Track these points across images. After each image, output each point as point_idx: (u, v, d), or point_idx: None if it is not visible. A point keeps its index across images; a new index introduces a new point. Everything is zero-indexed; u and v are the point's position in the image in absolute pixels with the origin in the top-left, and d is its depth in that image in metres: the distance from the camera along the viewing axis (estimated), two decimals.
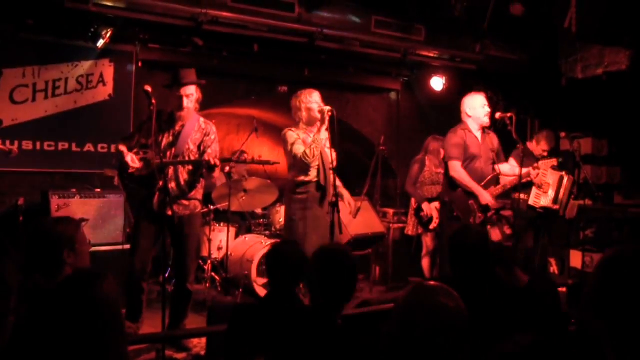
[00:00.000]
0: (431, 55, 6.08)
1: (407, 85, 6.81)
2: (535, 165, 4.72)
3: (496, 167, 4.47)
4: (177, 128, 3.65)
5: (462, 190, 4.36)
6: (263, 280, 4.90)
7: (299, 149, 3.76)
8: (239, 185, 5.28)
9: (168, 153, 3.59)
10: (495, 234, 4.55)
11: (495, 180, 4.43)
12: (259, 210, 6.02)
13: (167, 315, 3.38)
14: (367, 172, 5.73)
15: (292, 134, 3.84)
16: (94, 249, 4.13)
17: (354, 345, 1.91)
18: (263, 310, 2.23)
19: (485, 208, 4.31)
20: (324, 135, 3.85)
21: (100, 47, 4.90)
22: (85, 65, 5.08)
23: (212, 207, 5.29)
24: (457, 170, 4.34)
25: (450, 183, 4.45)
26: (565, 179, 4.90)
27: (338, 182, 4.04)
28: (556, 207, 4.88)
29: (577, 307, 3.94)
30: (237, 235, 5.53)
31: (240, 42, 5.31)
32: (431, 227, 5.53)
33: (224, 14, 4.84)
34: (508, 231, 5.04)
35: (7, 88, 4.77)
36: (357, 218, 5.38)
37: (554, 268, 6.09)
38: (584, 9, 4.91)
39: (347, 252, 2.24)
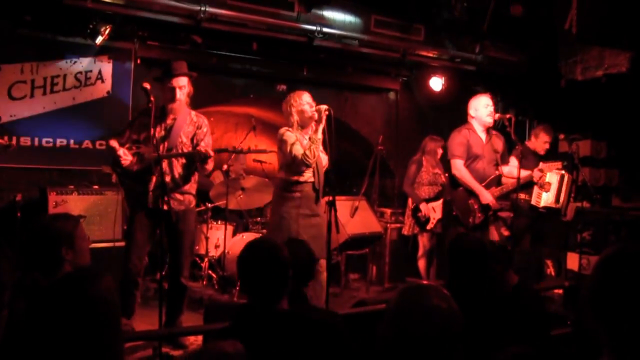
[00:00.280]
0: (430, 55, 6.08)
1: (406, 85, 6.81)
2: (540, 167, 4.69)
3: (500, 168, 4.48)
4: (168, 122, 3.64)
5: (463, 189, 4.38)
6: None
7: (298, 150, 3.73)
8: (236, 184, 5.28)
9: (161, 147, 3.58)
10: (492, 236, 4.55)
11: (497, 181, 4.43)
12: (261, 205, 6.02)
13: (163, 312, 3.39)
14: (365, 172, 5.73)
15: (290, 134, 3.81)
16: (91, 245, 4.12)
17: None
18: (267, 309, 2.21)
19: (485, 208, 4.32)
20: (321, 135, 3.82)
21: (98, 44, 4.90)
22: (83, 62, 5.07)
23: (209, 205, 5.29)
24: (459, 168, 4.35)
25: (452, 182, 4.47)
26: (566, 178, 4.88)
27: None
28: (558, 206, 4.86)
29: (573, 309, 3.95)
30: (234, 233, 5.53)
31: (239, 40, 5.31)
32: (428, 227, 5.54)
33: (223, 11, 4.83)
34: (505, 232, 5.04)
35: (5, 84, 4.76)
36: (355, 217, 5.40)
37: (550, 270, 6.10)
38: (585, 11, 4.91)
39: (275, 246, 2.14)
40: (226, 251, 5.14)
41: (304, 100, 3.83)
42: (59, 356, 1.27)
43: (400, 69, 6.43)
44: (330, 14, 5.35)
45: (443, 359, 1.38)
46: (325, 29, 5.28)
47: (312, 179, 3.83)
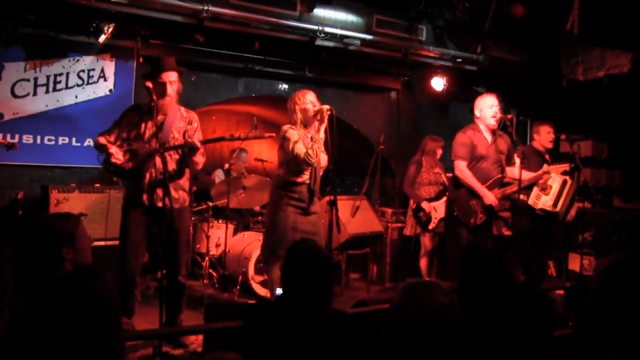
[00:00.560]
0: (432, 55, 6.08)
1: (407, 85, 6.81)
2: (547, 169, 4.65)
3: (507, 169, 4.47)
4: (159, 118, 3.62)
5: (465, 189, 4.38)
6: (260, 278, 4.91)
7: (300, 149, 3.73)
8: (237, 183, 5.29)
9: (153, 143, 3.58)
10: None
11: (500, 182, 4.43)
12: (257, 208, 6.03)
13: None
14: (366, 172, 5.73)
15: (293, 132, 3.81)
16: (93, 244, 4.13)
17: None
18: (279, 309, 2.22)
19: (488, 209, 4.32)
20: (323, 134, 3.83)
21: (101, 42, 4.90)
22: (86, 61, 5.08)
23: (210, 203, 5.31)
24: (462, 169, 4.36)
25: (455, 182, 4.47)
26: (568, 184, 4.83)
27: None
28: (555, 210, 4.82)
29: (576, 311, 3.95)
30: (235, 232, 5.54)
31: (241, 39, 5.31)
32: (430, 227, 5.54)
33: (226, 11, 4.84)
34: (506, 232, 5.04)
35: (8, 82, 4.77)
36: (356, 217, 5.40)
37: (552, 270, 6.10)
38: (586, 11, 4.90)
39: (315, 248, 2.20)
40: (227, 250, 5.15)
41: (308, 99, 3.83)
42: (60, 356, 1.28)
43: (401, 69, 6.42)
44: (332, 14, 5.35)
45: (447, 350, 1.42)
46: (327, 29, 5.29)
47: (308, 181, 3.83)
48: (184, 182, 3.75)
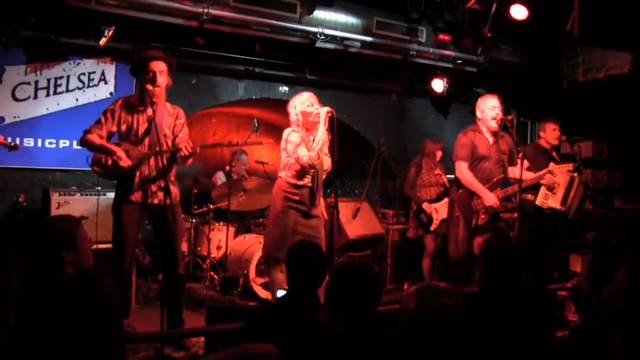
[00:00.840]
0: (432, 57, 6.08)
1: (407, 87, 6.81)
2: (551, 169, 4.65)
3: (509, 170, 4.47)
4: (149, 113, 3.60)
5: (466, 190, 4.38)
6: (262, 280, 4.91)
7: (302, 152, 3.72)
8: (238, 185, 5.29)
9: (146, 140, 3.58)
10: None
11: (501, 182, 4.43)
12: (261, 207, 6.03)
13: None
14: (366, 174, 5.74)
15: (296, 135, 3.80)
16: (94, 246, 4.13)
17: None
18: (281, 311, 2.23)
19: (490, 209, 4.32)
20: (325, 137, 3.81)
21: (102, 45, 4.91)
22: (87, 63, 5.09)
23: (211, 206, 5.31)
24: (462, 170, 4.37)
25: (457, 183, 4.48)
26: (576, 180, 4.80)
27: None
28: (564, 209, 4.78)
29: (577, 311, 3.93)
30: (236, 235, 5.54)
31: (242, 41, 5.32)
32: (431, 228, 5.54)
33: (226, 13, 4.85)
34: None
35: (9, 85, 4.79)
36: (356, 219, 5.41)
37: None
38: (586, 12, 4.90)
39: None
40: (228, 252, 5.15)
41: (309, 102, 3.82)
42: (61, 358, 1.28)
43: (402, 71, 6.43)
44: (332, 16, 5.36)
45: (454, 349, 1.50)
46: (327, 31, 5.30)
47: (310, 184, 3.82)
48: (173, 177, 3.75)
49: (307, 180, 3.83)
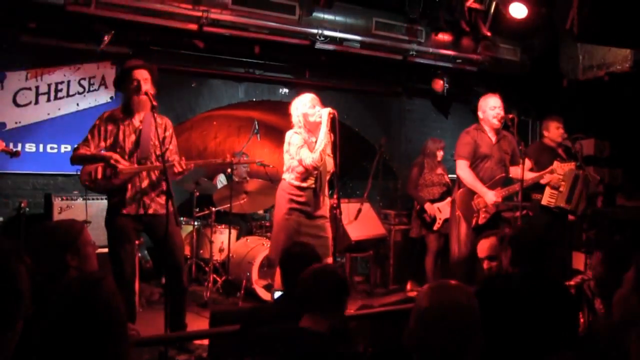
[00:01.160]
0: (432, 56, 6.08)
1: (407, 87, 6.82)
2: (553, 167, 4.63)
3: (511, 169, 4.47)
4: (135, 123, 3.58)
5: (467, 189, 4.38)
6: (264, 282, 4.91)
7: (305, 153, 3.72)
8: (239, 187, 5.29)
9: (136, 153, 3.55)
10: None
11: (502, 181, 4.43)
12: (260, 212, 6.04)
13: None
14: (367, 175, 5.73)
15: (298, 137, 3.79)
16: (97, 250, 4.13)
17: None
18: (279, 312, 2.23)
19: (491, 208, 4.31)
20: (327, 138, 3.81)
21: (101, 49, 4.92)
22: (87, 68, 5.10)
23: (213, 208, 5.31)
24: (463, 169, 4.38)
25: (458, 181, 4.49)
26: (580, 177, 4.78)
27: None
28: (569, 207, 4.76)
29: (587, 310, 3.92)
30: (238, 237, 5.54)
31: (241, 44, 5.33)
32: (434, 228, 5.54)
33: (225, 16, 4.85)
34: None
35: (10, 91, 4.80)
36: (358, 220, 5.40)
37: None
38: (586, 10, 4.90)
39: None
40: (230, 255, 5.16)
41: (311, 103, 3.81)
42: None
43: (401, 71, 6.43)
44: (331, 17, 5.36)
45: (467, 345, 1.53)
46: (326, 32, 5.29)
47: (313, 185, 3.82)
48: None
49: (310, 182, 3.82)
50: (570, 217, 5.00)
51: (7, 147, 4.03)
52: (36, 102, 4.91)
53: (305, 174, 3.79)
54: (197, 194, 5.29)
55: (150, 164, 3.58)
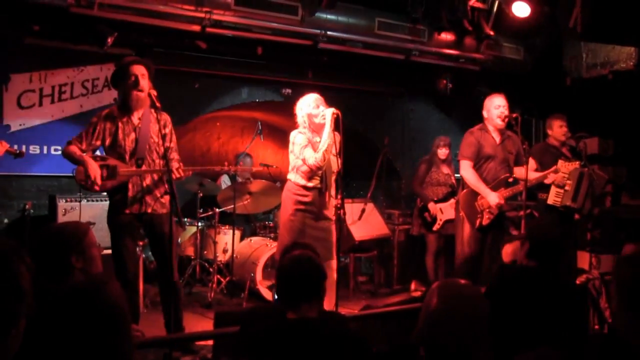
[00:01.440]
0: (435, 56, 6.07)
1: (411, 87, 6.81)
2: (557, 166, 4.62)
3: (515, 170, 4.46)
4: (134, 122, 3.56)
5: (470, 190, 4.37)
6: (268, 283, 4.91)
7: (309, 153, 3.72)
8: (243, 188, 5.30)
9: (135, 151, 3.53)
10: None
11: (506, 182, 4.42)
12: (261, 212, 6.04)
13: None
14: (371, 175, 5.73)
15: (302, 137, 3.79)
16: (102, 252, 4.13)
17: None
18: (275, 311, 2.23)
19: (494, 208, 4.30)
20: (330, 138, 3.80)
21: (105, 51, 4.93)
22: (90, 70, 5.12)
23: (217, 209, 5.32)
24: (466, 169, 4.37)
25: (462, 182, 4.48)
26: (585, 176, 4.77)
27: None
28: (575, 205, 4.75)
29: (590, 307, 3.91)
30: (242, 238, 5.54)
31: (244, 44, 5.33)
32: (434, 228, 5.52)
33: (228, 17, 4.86)
34: (514, 232, 5.02)
35: (14, 93, 4.82)
36: (362, 220, 5.40)
37: None
38: (589, 8, 4.88)
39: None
40: (234, 256, 5.16)
41: (315, 104, 3.81)
42: None
43: (404, 71, 6.43)
44: (333, 17, 5.35)
45: (475, 343, 1.53)
46: (329, 32, 5.30)
47: (319, 185, 3.82)
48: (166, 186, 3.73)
49: (316, 182, 3.82)
50: (576, 215, 4.98)
51: (12, 148, 4.04)
52: (40, 104, 4.93)
53: (310, 173, 3.79)
54: (201, 194, 5.30)
55: (150, 162, 3.57)
